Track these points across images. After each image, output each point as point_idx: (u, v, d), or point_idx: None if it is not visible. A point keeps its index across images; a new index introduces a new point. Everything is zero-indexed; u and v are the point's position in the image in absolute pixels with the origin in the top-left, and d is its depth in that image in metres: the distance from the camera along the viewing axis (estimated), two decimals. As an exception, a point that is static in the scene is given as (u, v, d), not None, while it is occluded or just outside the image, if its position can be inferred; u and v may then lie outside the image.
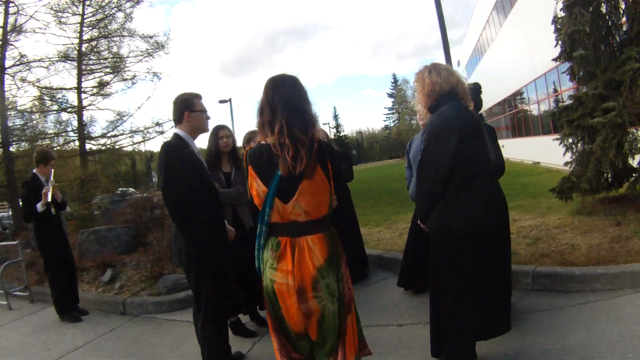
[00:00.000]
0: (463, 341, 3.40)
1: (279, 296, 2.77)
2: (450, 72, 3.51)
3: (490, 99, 31.65)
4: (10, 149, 17.64)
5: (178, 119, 4.06)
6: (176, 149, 3.86)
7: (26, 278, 8.88)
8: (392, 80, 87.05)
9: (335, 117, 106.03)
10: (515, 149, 26.19)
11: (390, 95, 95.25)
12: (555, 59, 9.18)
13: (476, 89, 4.54)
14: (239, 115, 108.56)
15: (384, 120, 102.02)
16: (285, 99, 2.73)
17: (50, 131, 19.67)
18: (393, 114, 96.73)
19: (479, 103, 4.60)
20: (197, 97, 4.12)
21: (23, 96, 18.02)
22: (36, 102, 19.04)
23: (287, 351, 2.91)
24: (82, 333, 6.41)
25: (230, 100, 32.70)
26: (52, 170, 6.96)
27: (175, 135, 4.02)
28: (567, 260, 5.54)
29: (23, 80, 17.87)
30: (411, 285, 5.93)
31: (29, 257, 10.42)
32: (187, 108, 4.01)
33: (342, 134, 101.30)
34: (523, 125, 26.20)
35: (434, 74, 3.46)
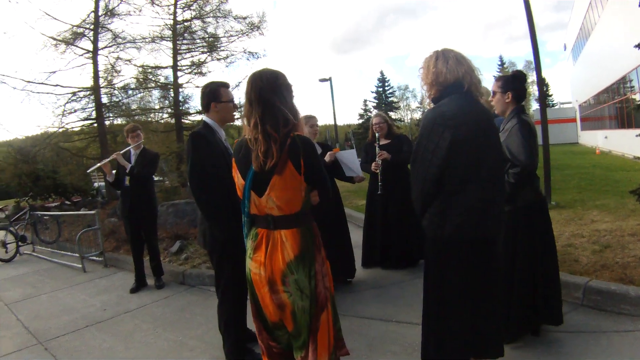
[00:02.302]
0: (444, 354, 3.13)
1: (254, 285, 2.88)
2: (460, 61, 3.12)
3: (595, 85, 29.28)
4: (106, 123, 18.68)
5: (205, 108, 4.16)
6: (202, 136, 3.95)
7: (102, 244, 9.56)
8: (499, 63, 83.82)
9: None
10: (619, 142, 23.92)
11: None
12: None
13: (518, 77, 4.06)
14: (342, 92, 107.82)
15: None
16: (260, 95, 2.75)
17: (144, 107, 20.54)
18: None
19: (521, 94, 4.05)
20: (224, 86, 4.19)
21: (117, 75, 18.62)
22: (133, 80, 19.90)
23: (265, 338, 3.00)
24: (138, 298, 6.86)
25: (330, 79, 32.53)
26: (133, 143, 7.23)
27: (204, 123, 4.13)
28: (627, 277, 4.92)
29: (118, 59, 18.80)
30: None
31: (111, 225, 11.19)
32: (214, 98, 4.09)
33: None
34: (625, 116, 24.12)
35: (441, 61, 3.13)
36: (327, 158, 5.76)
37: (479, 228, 2.99)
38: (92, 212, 10.05)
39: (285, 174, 2.69)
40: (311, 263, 2.80)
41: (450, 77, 3.07)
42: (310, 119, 5.97)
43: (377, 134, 6.70)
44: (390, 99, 78.77)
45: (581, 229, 6.79)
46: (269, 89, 2.76)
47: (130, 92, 19.85)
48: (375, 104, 78.38)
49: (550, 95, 72.20)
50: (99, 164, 7.39)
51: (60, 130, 18.54)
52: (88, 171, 8.31)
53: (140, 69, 19.54)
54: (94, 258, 9.64)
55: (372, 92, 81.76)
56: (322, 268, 2.89)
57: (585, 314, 4.57)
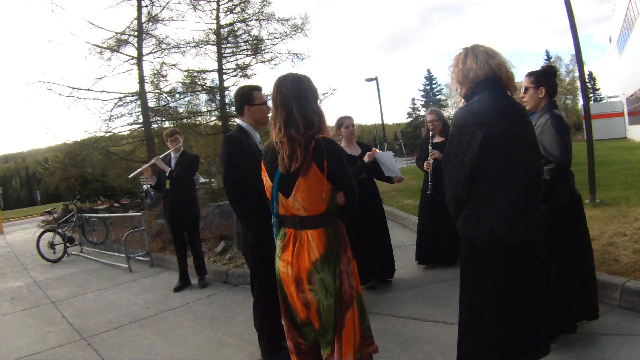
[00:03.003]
0: (476, 358, 3.05)
1: (283, 283, 2.94)
2: (490, 55, 3.01)
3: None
4: (153, 127, 19.00)
5: (239, 112, 4.22)
6: (236, 140, 4.03)
7: (148, 245, 9.71)
8: (545, 58, 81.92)
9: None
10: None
11: None
12: None
13: (549, 72, 4.01)
14: (390, 91, 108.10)
15: None
16: (285, 99, 2.80)
17: (191, 110, 20.78)
18: None
19: (553, 89, 3.98)
20: (257, 89, 4.24)
21: (164, 79, 18.93)
22: (179, 84, 20.16)
23: (293, 335, 3.03)
24: (182, 296, 6.91)
25: (376, 78, 32.34)
26: (172, 147, 7.31)
27: (238, 127, 4.20)
28: (667, 279, 4.69)
29: (163, 64, 19.11)
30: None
31: (157, 227, 11.36)
32: (247, 102, 4.15)
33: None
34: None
35: (470, 58, 3.03)
36: (365, 158, 5.71)
37: (513, 231, 2.87)
38: (139, 213, 10.18)
39: (309, 176, 2.74)
40: (336, 262, 2.83)
41: (480, 72, 2.96)
42: (346, 120, 5.99)
43: (431, 131, 6.58)
44: (438, 97, 77.98)
45: (624, 227, 6.50)
46: (294, 94, 2.80)
47: (177, 95, 20.12)
48: (423, 102, 77.71)
49: (598, 90, 70.66)
50: (139, 169, 7.54)
51: (108, 134, 18.91)
52: (130, 176, 8.49)
53: (186, 73, 19.80)
54: (140, 258, 9.81)
55: (420, 90, 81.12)
56: (348, 267, 2.91)
57: (621, 316, 4.34)
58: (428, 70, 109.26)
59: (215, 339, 5.04)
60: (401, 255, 6.97)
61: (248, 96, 4.15)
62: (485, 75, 2.94)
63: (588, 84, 76.16)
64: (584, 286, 3.89)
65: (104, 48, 17.95)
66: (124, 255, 9.60)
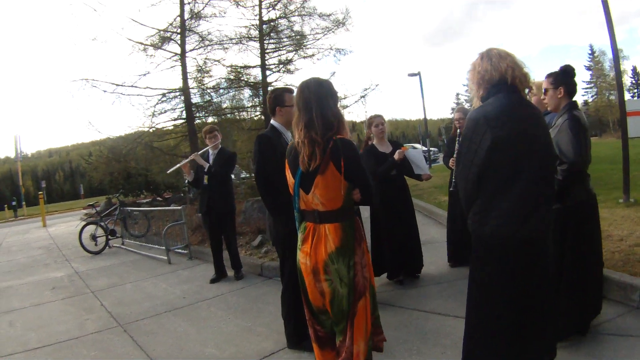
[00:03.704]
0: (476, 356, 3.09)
1: (303, 273, 3.10)
2: (503, 56, 3.07)
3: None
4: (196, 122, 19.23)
5: (272, 112, 4.45)
6: (268, 139, 4.28)
7: (187, 238, 9.92)
8: (590, 52, 79.74)
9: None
10: None
11: (588, 68, 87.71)
12: None
13: (568, 72, 4.01)
14: (435, 85, 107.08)
15: (582, 95, 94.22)
16: (307, 103, 2.98)
17: (232, 105, 20.92)
18: (591, 88, 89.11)
19: (572, 89, 3.99)
20: (289, 91, 4.45)
21: (207, 75, 19.11)
22: (222, 80, 20.34)
23: (312, 323, 3.20)
24: (217, 288, 7.04)
25: (419, 73, 32.08)
26: (210, 144, 7.49)
27: (271, 126, 4.43)
28: (689, 283, 4.62)
29: (207, 59, 19.31)
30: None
31: (198, 220, 11.54)
32: (279, 103, 4.37)
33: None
34: None
35: (485, 60, 3.10)
36: (396, 156, 5.76)
37: (520, 229, 2.89)
38: (179, 207, 10.38)
39: (327, 174, 2.89)
40: (351, 255, 2.98)
41: (495, 73, 3.01)
42: (375, 119, 6.09)
43: (458, 129, 6.53)
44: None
45: None
46: (315, 98, 2.98)
47: (221, 91, 20.29)
48: (467, 98, 76.33)
49: None
50: (178, 165, 7.73)
51: (151, 130, 19.21)
52: (168, 172, 8.66)
53: (230, 69, 19.96)
54: (180, 251, 10.05)
55: (464, 85, 80.00)
56: (362, 260, 3.05)
57: (638, 318, 4.27)
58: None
59: (245, 327, 5.16)
60: (432, 251, 7.00)
61: (280, 98, 4.39)
62: (500, 76, 3.00)
63: (632, 79, 73.98)
64: (591, 283, 3.93)
65: (147, 45, 18.22)
66: (163, 247, 9.81)
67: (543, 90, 4.12)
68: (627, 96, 60.38)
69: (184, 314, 5.87)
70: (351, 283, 2.96)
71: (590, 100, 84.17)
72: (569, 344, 3.83)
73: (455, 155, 6.27)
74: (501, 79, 3.00)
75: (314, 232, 3.01)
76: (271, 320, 5.21)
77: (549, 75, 4.06)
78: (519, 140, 2.86)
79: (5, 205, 44.54)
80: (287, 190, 3.56)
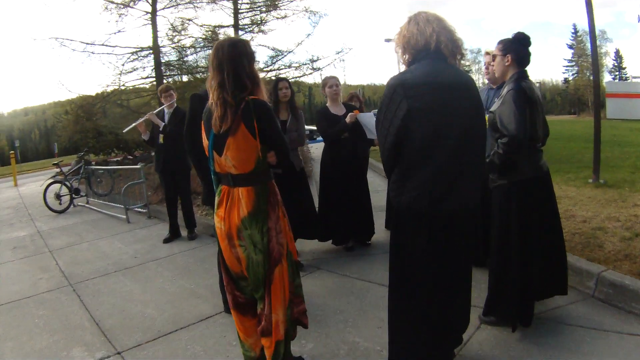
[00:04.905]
0: (399, 331, 3.13)
1: (219, 238, 3.15)
2: (430, 20, 2.94)
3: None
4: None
5: None
6: (200, 97, 4.30)
7: (146, 197, 10.17)
8: (573, 31, 79.62)
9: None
10: None
11: (570, 47, 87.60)
12: None
13: (519, 39, 3.75)
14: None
15: (563, 73, 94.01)
16: (220, 64, 2.95)
17: (205, 65, 20.80)
18: (572, 66, 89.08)
19: (522, 58, 3.74)
20: None
21: (179, 35, 18.88)
22: (191, 39, 20.19)
23: (232, 289, 3.23)
24: (169, 247, 7.32)
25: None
26: (166, 102, 7.60)
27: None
28: (648, 272, 4.38)
29: (178, 19, 19.16)
30: None
31: (159, 180, 11.75)
32: None
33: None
34: None
35: (412, 23, 2.98)
36: (347, 119, 5.78)
37: (437, 201, 2.88)
38: (138, 166, 10.57)
39: (237, 136, 2.90)
40: (264, 220, 3.00)
41: (420, 38, 2.93)
42: (330, 80, 6.09)
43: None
44: (462, 62, 76.55)
45: (619, 212, 6.23)
46: (228, 58, 2.94)
47: (191, 50, 20.18)
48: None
49: (624, 68, 69.38)
50: (133, 124, 7.83)
51: (123, 88, 19.18)
52: (124, 131, 8.76)
53: (204, 28, 19.82)
54: (139, 210, 10.28)
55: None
56: (276, 225, 3.07)
57: (591, 307, 4.12)
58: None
59: (188, 289, 5.39)
60: (383, 217, 7.01)
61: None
62: (425, 42, 2.93)
63: (615, 61, 74.09)
64: (553, 264, 3.85)
65: (118, 4, 18.06)
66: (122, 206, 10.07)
67: (491, 57, 4.02)
68: (608, 78, 60.48)
69: (132, 274, 6.13)
70: (265, 249, 2.98)
71: (570, 78, 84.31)
72: (509, 330, 3.75)
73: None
74: (426, 45, 2.92)
75: (228, 196, 3.02)
76: (214, 282, 5.29)
77: (500, 42, 3.84)
78: (438, 111, 2.82)
79: (-24, 166, 44.12)
80: None
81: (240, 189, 2.99)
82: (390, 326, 3.17)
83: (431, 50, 2.92)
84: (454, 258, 3.01)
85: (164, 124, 7.45)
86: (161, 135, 7.51)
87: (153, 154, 8.88)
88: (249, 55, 3.05)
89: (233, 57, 2.96)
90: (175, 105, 7.65)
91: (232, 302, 3.26)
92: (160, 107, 7.74)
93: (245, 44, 3.08)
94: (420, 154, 2.86)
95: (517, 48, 3.72)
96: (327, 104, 6.16)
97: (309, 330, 3.75)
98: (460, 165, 2.90)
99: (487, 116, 3.49)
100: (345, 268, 5.57)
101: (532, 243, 3.67)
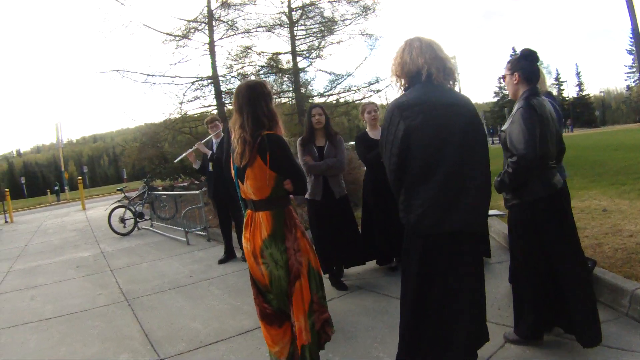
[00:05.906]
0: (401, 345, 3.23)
1: (246, 256, 3.43)
2: (423, 50, 3.09)
3: None
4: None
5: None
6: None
7: (205, 220, 10.49)
8: (631, 36, 77.03)
9: (578, 74, 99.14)
10: None
11: (630, 52, 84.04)
12: None
13: (524, 56, 3.72)
14: (475, 69, 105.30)
15: (625, 80, 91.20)
16: (240, 107, 3.27)
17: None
18: (634, 72, 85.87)
19: (530, 74, 3.67)
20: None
21: (238, 62, 19.44)
22: (253, 66, 20.70)
23: (260, 301, 3.46)
24: (223, 268, 7.55)
25: (454, 57, 31.79)
26: (213, 132, 7.96)
27: None
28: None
29: (237, 47, 19.74)
30: None
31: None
32: None
33: (584, 93, 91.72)
34: None
35: (406, 52, 3.16)
36: None
37: (441, 220, 2.96)
38: (196, 192, 11.01)
39: (254, 167, 3.19)
40: (282, 240, 3.25)
41: (412, 67, 3.12)
42: (368, 106, 6.29)
43: None
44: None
45: None
46: (247, 101, 3.26)
47: (252, 77, 20.62)
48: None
49: None
50: (184, 154, 8.21)
51: (186, 115, 19.84)
52: (175, 160, 9.12)
53: (262, 56, 20.34)
54: (199, 232, 10.63)
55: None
56: (294, 245, 3.28)
57: (622, 326, 3.83)
58: (512, 48, 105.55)
59: (234, 306, 5.58)
60: None
61: None
62: (417, 69, 3.09)
63: None
64: (572, 295, 3.51)
65: (177, 36, 18.77)
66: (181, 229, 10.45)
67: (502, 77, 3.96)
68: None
69: (185, 292, 6.37)
70: (285, 266, 3.23)
71: (633, 85, 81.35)
72: (533, 350, 3.65)
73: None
74: (418, 72, 3.08)
75: (252, 219, 3.31)
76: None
77: (508, 62, 3.82)
78: (433, 129, 2.94)
79: (48, 190, 46.34)
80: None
81: (261, 213, 3.27)
82: (399, 338, 3.29)
83: (424, 76, 3.07)
84: (458, 275, 3.05)
85: (211, 152, 7.80)
86: (210, 163, 7.85)
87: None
88: (267, 96, 3.33)
89: (251, 99, 3.27)
90: (222, 134, 7.92)
91: (260, 313, 3.50)
92: (209, 137, 8.08)
93: (262, 85, 3.37)
94: (423, 171, 2.98)
95: (524, 65, 3.69)
96: (366, 129, 6.30)
97: (337, 344, 3.96)
98: (462, 180, 2.98)
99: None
100: (386, 287, 5.60)
101: (543, 266, 3.58)
